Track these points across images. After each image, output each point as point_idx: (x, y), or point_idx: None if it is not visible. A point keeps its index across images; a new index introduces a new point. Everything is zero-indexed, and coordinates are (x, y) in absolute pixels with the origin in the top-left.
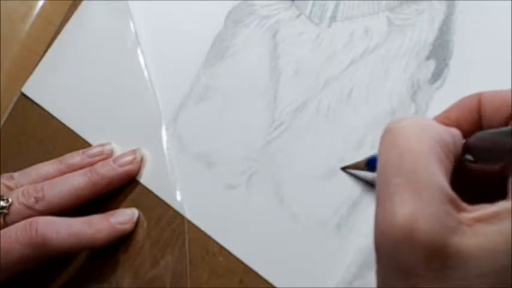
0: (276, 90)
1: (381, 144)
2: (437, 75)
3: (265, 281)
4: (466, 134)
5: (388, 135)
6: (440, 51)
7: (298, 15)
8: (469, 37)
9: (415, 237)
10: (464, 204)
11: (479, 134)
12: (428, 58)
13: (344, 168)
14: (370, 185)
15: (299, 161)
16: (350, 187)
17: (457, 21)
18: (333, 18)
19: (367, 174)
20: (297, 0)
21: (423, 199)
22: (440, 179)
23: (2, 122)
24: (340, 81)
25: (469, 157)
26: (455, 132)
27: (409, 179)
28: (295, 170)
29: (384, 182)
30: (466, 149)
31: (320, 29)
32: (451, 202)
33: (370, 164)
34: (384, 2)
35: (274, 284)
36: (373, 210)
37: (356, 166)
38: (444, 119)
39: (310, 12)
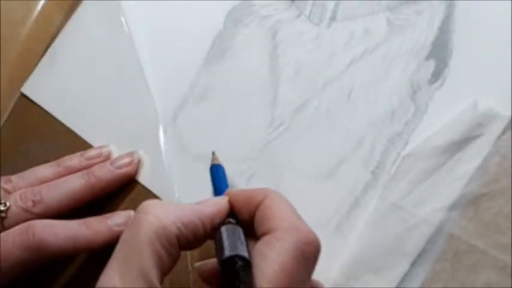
0: (276, 90)
1: (131, 222)
2: (437, 75)
3: None
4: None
5: (135, 218)
6: (440, 51)
7: (298, 15)
8: (469, 37)
9: None
10: None
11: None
12: (428, 58)
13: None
14: None
15: (299, 161)
16: (350, 187)
17: (457, 21)
18: (333, 18)
19: None
20: (296, 0)
21: (125, 280)
22: (146, 267)
23: (2, 122)
24: (340, 81)
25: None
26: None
27: (122, 261)
28: (295, 170)
29: (114, 253)
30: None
31: (320, 29)
32: (149, 285)
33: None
34: (383, 2)
35: None
36: (373, 210)
37: None
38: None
39: (310, 12)
